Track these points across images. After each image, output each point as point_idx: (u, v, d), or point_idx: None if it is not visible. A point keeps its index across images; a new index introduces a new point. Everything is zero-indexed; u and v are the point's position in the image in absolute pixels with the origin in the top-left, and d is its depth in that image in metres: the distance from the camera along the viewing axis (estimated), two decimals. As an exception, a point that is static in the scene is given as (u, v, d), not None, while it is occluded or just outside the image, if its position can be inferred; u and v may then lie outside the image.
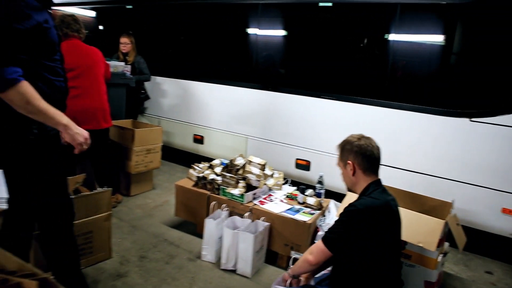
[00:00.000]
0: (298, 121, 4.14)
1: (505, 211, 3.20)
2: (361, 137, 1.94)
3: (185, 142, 5.14)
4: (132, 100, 4.79)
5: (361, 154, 1.90)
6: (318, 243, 1.87)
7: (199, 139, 4.97)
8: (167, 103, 5.27)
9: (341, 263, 1.94)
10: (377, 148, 1.93)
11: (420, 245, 2.37)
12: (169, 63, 5.28)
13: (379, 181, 1.95)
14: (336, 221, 1.89)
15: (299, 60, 4.26)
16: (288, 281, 2.04)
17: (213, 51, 4.91)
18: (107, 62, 3.72)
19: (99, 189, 2.67)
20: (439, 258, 2.56)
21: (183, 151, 5.24)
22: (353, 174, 1.94)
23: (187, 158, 5.12)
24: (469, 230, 3.06)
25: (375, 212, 1.80)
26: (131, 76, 4.51)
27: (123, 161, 3.95)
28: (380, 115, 3.66)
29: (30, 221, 2.13)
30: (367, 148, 1.89)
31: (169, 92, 5.23)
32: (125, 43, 4.74)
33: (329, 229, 1.90)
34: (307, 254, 1.91)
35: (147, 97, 5.20)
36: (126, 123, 4.29)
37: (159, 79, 5.25)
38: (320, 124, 4.00)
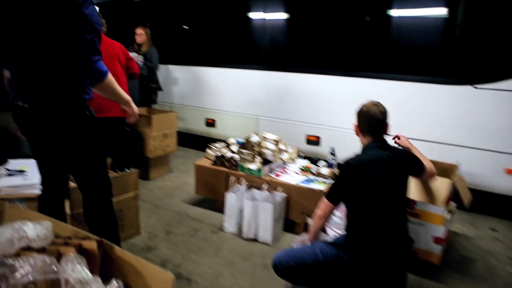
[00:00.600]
0: (307, 98, 4.30)
1: (507, 171, 3.37)
2: (368, 103, 2.14)
3: (198, 127, 5.33)
4: (145, 89, 4.95)
5: (360, 117, 2.15)
6: (322, 198, 2.12)
7: (211, 123, 5.15)
8: (178, 89, 5.45)
9: (350, 218, 2.14)
10: (375, 115, 2.08)
11: (428, 203, 2.55)
12: (178, 51, 5.43)
13: (379, 140, 2.13)
14: (335, 177, 2.11)
15: (305, 40, 4.40)
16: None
17: (220, 36, 5.04)
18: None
19: (127, 171, 2.87)
20: (447, 216, 2.75)
21: (196, 136, 5.44)
22: (357, 134, 2.20)
23: (200, 142, 5.32)
24: (475, 192, 3.23)
25: (366, 166, 2.02)
26: (143, 66, 4.68)
27: (142, 146, 4.15)
28: (388, 87, 3.81)
29: (63, 201, 2.34)
30: (366, 113, 2.11)
31: (180, 79, 5.40)
32: (140, 34, 4.90)
33: (330, 184, 2.15)
34: (316, 210, 2.16)
35: (159, 88, 5.29)
36: (141, 110, 4.47)
37: (169, 67, 5.41)
38: (329, 100, 4.16)
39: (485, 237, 3.24)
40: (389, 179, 2.05)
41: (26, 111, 1.96)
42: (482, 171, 3.48)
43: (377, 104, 2.14)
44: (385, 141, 2.14)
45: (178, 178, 4.37)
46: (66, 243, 1.58)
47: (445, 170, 2.91)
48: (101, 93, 2.06)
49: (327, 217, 2.13)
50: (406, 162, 2.19)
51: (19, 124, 2.06)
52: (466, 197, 2.75)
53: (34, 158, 2.19)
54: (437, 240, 2.73)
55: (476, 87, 3.40)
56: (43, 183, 2.25)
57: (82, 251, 1.54)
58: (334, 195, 2.08)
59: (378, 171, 2.03)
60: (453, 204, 3.00)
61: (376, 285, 2.07)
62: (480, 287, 2.57)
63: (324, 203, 2.10)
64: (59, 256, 1.48)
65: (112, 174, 3.01)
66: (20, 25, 1.85)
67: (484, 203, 3.66)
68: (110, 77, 2.00)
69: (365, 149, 2.14)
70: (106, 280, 1.48)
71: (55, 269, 1.34)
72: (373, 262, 2.04)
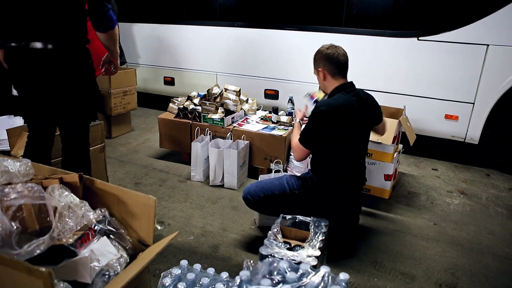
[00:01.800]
0: (265, 53, 4.40)
1: (447, 116, 3.73)
2: (329, 46, 2.22)
3: (156, 86, 5.29)
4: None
5: (328, 61, 2.18)
6: (296, 144, 2.22)
7: (169, 81, 5.14)
8: (133, 48, 5.33)
9: (318, 155, 2.32)
10: (343, 55, 2.19)
11: (379, 141, 2.82)
12: (133, 8, 5.27)
13: (347, 84, 2.23)
14: (307, 123, 2.20)
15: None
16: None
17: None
18: None
19: (92, 123, 2.87)
20: (395, 155, 3.05)
21: (155, 95, 5.42)
22: (324, 79, 2.24)
23: (159, 102, 5.32)
24: (419, 137, 3.55)
25: (337, 110, 2.11)
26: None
27: (102, 104, 4.11)
28: (339, 41, 3.96)
29: (50, 150, 2.35)
30: (333, 55, 2.17)
31: (135, 38, 5.28)
32: None
33: (303, 130, 2.23)
34: (293, 151, 2.30)
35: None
36: (97, 68, 4.40)
37: (123, 24, 5.25)
38: (285, 54, 4.29)
39: (428, 176, 3.62)
40: (356, 123, 2.21)
41: (30, 52, 1.99)
42: (425, 117, 3.82)
43: (338, 46, 2.25)
44: (351, 83, 2.26)
45: (140, 136, 4.40)
46: (46, 178, 1.64)
47: (393, 113, 3.19)
48: (106, 41, 2.22)
49: (301, 160, 2.29)
50: (372, 107, 2.33)
51: (16, 67, 2.08)
52: (411, 137, 3.05)
53: (26, 104, 2.20)
54: (388, 177, 3.04)
55: (419, 39, 3.67)
56: (31, 130, 2.26)
57: (64, 184, 1.61)
58: (309, 141, 2.17)
59: (347, 116, 2.13)
60: (400, 146, 3.32)
61: (333, 211, 2.31)
62: (423, 214, 2.92)
63: (299, 149, 2.21)
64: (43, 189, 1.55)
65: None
66: None
67: (428, 147, 4.04)
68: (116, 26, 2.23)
69: (333, 94, 2.21)
70: (89, 211, 1.58)
71: (43, 195, 1.42)
72: (335, 193, 2.28)
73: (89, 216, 1.46)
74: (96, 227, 1.48)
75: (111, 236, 1.51)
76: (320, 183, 2.27)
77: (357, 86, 2.54)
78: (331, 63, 2.19)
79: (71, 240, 1.38)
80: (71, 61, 2.09)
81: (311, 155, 2.36)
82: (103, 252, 1.43)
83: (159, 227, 2.47)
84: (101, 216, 1.54)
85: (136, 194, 1.62)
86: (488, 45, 3.38)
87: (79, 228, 1.43)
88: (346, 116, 2.14)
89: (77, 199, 1.48)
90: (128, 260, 1.51)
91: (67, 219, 1.40)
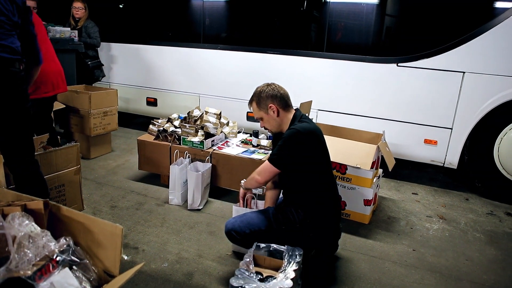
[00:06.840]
0: (247, 76, 4.43)
1: (426, 141, 3.77)
2: (267, 85, 2.33)
3: (138, 106, 5.25)
4: (82, 67, 4.77)
5: (276, 99, 2.26)
6: (265, 165, 2.23)
7: (152, 102, 5.11)
8: (117, 68, 5.31)
9: (290, 183, 2.33)
10: (282, 88, 2.32)
11: (358, 166, 2.82)
12: (117, 28, 5.28)
13: (299, 113, 2.33)
14: (280, 144, 2.21)
15: (246, 19, 4.51)
16: (242, 193, 2.45)
17: (161, 13, 4.98)
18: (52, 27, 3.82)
19: (68, 144, 2.82)
20: (374, 180, 3.05)
21: (137, 116, 5.38)
22: (278, 115, 2.28)
23: (141, 123, 5.27)
24: (399, 161, 3.57)
25: (312, 133, 2.20)
26: (79, 42, 4.51)
27: (81, 124, 4.05)
28: (322, 66, 4.05)
29: None
30: (277, 91, 2.28)
31: (118, 57, 5.27)
32: (78, 8, 4.67)
33: (274, 151, 2.23)
34: (255, 175, 2.28)
35: (98, 65, 5.09)
36: (79, 88, 4.34)
37: (106, 44, 5.25)
38: (267, 78, 4.29)
39: (408, 200, 3.62)
40: (324, 146, 2.27)
41: None
42: (405, 142, 3.85)
43: (273, 83, 2.35)
44: (299, 109, 2.37)
45: (120, 157, 4.33)
46: (9, 205, 1.58)
47: (372, 138, 3.21)
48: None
49: (266, 183, 2.28)
50: None
51: None
52: (390, 162, 3.06)
53: None
54: (367, 202, 3.03)
55: (398, 65, 3.73)
56: None
57: (27, 212, 1.55)
58: (281, 161, 2.19)
59: (318, 138, 2.22)
60: (380, 170, 3.33)
61: (319, 242, 2.30)
62: (403, 240, 2.90)
63: (266, 170, 2.22)
64: (3, 217, 1.49)
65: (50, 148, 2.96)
66: None
67: (408, 171, 4.06)
68: None
69: (294, 120, 2.28)
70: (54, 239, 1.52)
71: (2, 224, 1.36)
72: (322, 221, 2.27)
73: (50, 246, 1.40)
74: (58, 258, 1.42)
75: (74, 267, 1.44)
76: (306, 216, 2.24)
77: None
78: (280, 99, 2.27)
79: (29, 272, 1.31)
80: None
81: (291, 188, 2.35)
82: (64, 284, 1.36)
83: (125, 257, 2.38)
84: (65, 246, 1.48)
85: (103, 222, 1.57)
86: (464, 72, 3.45)
87: (39, 259, 1.36)
88: (317, 139, 2.22)
89: (38, 228, 1.42)
90: (92, 292, 1.45)
91: (27, 250, 1.34)
